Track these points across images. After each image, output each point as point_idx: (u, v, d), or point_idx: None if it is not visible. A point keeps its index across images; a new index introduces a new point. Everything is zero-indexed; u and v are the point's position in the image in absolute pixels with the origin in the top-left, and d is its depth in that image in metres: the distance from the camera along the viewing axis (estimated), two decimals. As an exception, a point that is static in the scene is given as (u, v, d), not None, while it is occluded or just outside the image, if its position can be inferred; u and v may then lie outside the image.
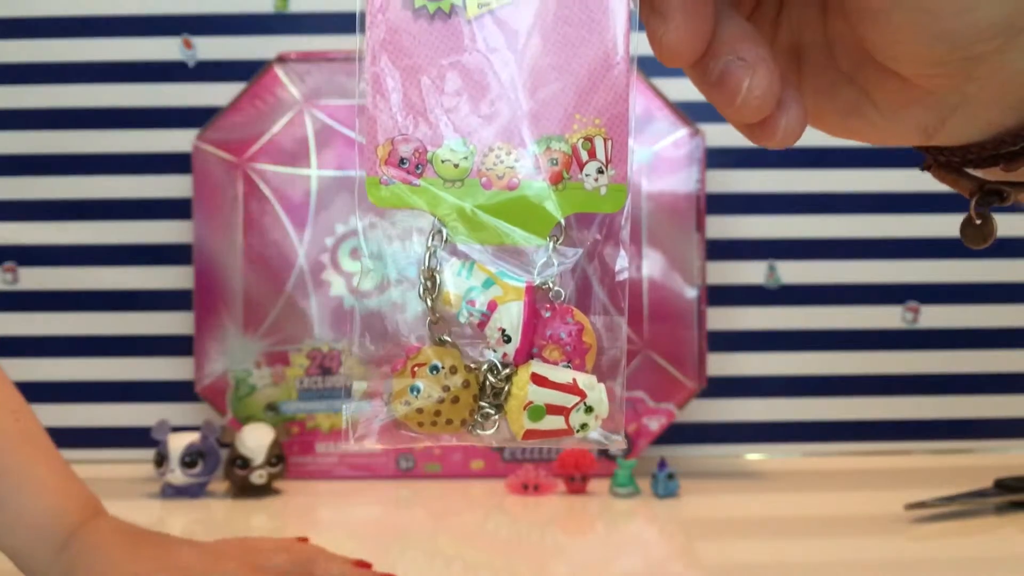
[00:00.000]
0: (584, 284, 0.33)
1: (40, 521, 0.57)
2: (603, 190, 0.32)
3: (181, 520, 0.82)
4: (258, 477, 0.87)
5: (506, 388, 0.32)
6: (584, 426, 0.32)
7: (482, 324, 0.32)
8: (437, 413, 0.32)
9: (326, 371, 0.96)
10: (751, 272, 1.08)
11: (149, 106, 1.06)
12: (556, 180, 0.32)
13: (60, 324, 1.06)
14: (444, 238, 0.32)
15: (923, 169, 0.36)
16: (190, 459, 0.87)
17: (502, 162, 0.32)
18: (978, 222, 0.35)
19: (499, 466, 0.95)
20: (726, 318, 1.06)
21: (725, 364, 1.06)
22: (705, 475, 0.96)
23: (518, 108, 0.32)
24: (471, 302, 0.32)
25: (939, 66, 0.30)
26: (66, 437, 1.05)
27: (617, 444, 0.33)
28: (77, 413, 1.06)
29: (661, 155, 0.96)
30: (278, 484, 0.91)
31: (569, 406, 0.32)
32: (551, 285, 0.33)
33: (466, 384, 0.32)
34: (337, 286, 0.96)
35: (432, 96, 0.32)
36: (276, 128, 0.97)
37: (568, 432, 0.32)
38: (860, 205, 1.07)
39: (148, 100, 1.06)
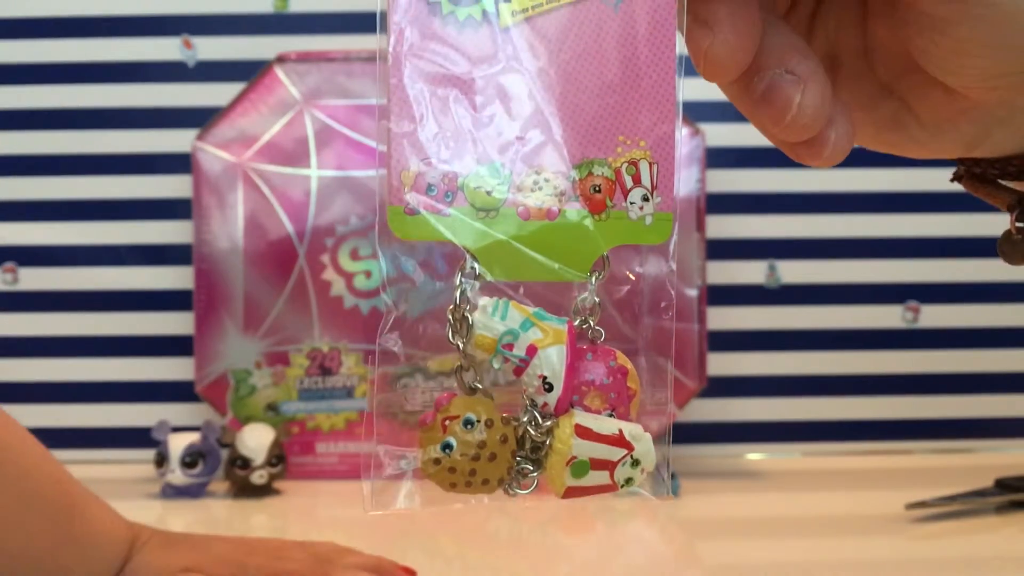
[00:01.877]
0: (627, 324, 0.30)
1: (107, 555, 0.59)
2: (648, 219, 0.29)
3: (182, 520, 0.82)
4: (258, 477, 0.87)
5: (547, 442, 0.29)
6: (629, 480, 0.29)
7: (519, 371, 0.28)
8: (472, 472, 0.28)
9: (326, 371, 0.96)
10: (751, 272, 1.08)
11: (149, 106, 1.06)
12: (599, 209, 0.29)
13: (60, 324, 1.06)
14: (476, 274, 0.28)
15: (953, 180, 0.34)
16: (190, 459, 0.87)
17: (540, 189, 0.28)
18: (1018, 237, 0.33)
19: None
20: (726, 318, 1.06)
21: (725, 364, 1.06)
22: (705, 475, 0.96)
23: (557, 128, 0.29)
24: (507, 346, 0.28)
25: (998, 78, 0.28)
26: (66, 438, 1.06)
27: (664, 498, 0.30)
28: (77, 413, 1.06)
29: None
30: (278, 484, 0.91)
31: (615, 460, 0.29)
32: (592, 324, 0.30)
33: (504, 439, 0.28)
34: (337, 286, 0.96)
35: (463, 114, 0.28)
36: (276, 128, 0.97)
37: (612, 488, 0.29)
38: (860, 205, 1.07)
39: (148, 100, 1.06)
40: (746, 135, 1.06)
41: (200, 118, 1.01)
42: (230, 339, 0.96)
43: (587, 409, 0.29)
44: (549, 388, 0.28)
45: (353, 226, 0.96)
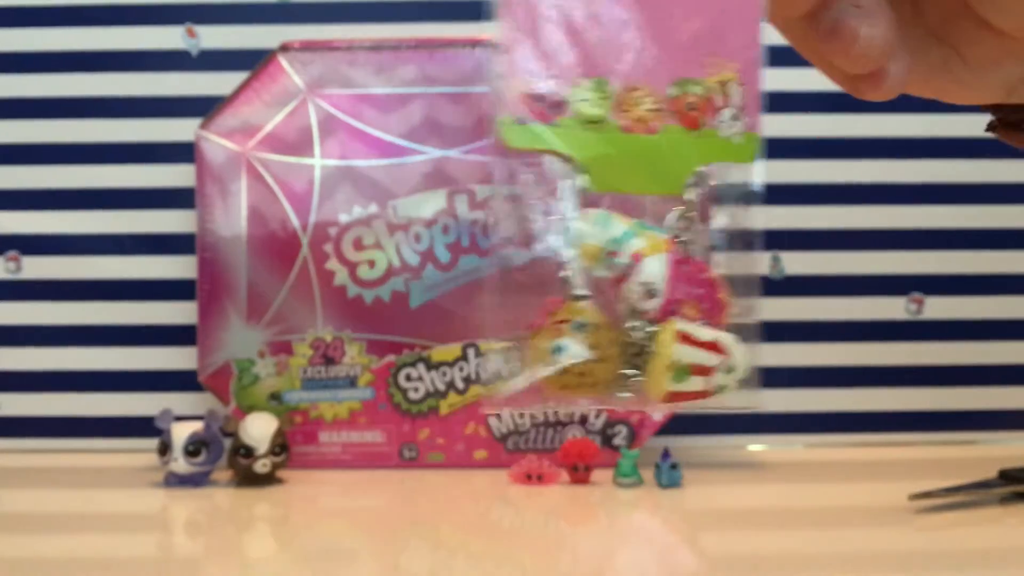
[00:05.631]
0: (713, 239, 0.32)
1: None
2: (738, 138, 0.31)
3: (185, 509, 0.82)
4: (261, 466, 0.87)
5: (649, 347, 0.30)
6: (722, 388, 0.31)
7: (622, 278, 0.30)
8: (582, 374, 0.30)
9: (329, 360, 0.96)
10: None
11: (152, 95, 1.06)
12: (693, 126, 0.30)
13: (63, 313, 1.06)
14: (582, 184, 0.30)
15: (988, 130, 0.35)
16: (193, 448, 0.87)
17: (642, 104, 0.30)
18: None
19: (502, 456, 0.95)
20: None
21: (729, 355, 1.06)
22: (708, 465, 0.96)
23: (657, 47, 0.30)
24: (612, 254, 0.30)
25: None
26: (69, 426, 1.06)
27: (756, 405, 0.31)
28: (80, 402, 1.06)
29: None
30: (281, 473, 0.91)
31: (712, 366, 0.30)
32: (685, 238, 0.31)
33: (611, 342, 0.30)
34: (340, 276, 0.96)
35: (570, 31, 0.30)
36: (279, 117, 0.97)
37: (707, 394, 0.30)
38: (864, 196, 1.07)
39: (151, 89, 1.06)
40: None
41: (203, 107, 1.01)
42: (233, 328, 0.96)
43: (683, 318, 0.30)
44: (652, 295, 0.30)
45: (356, 216, 0.96)
